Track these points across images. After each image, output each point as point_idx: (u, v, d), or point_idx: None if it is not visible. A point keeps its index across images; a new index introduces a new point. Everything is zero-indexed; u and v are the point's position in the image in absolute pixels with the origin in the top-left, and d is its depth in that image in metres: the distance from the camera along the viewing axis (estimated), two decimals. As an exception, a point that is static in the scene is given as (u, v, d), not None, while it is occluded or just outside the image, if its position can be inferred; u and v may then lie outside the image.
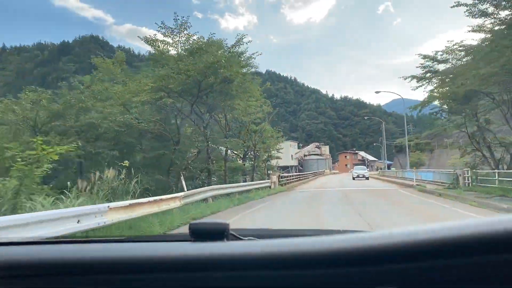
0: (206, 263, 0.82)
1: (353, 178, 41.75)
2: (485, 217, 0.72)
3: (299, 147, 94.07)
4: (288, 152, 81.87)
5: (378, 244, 0.71)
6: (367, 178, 41.18)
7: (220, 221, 1.00)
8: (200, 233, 0.97)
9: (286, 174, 31.76)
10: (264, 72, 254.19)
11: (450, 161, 56.72)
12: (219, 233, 0.97)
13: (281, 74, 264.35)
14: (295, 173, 45.36)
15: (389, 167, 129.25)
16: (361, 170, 44.58)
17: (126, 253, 0.91)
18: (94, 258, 0.90)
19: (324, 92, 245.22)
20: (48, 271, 0.91)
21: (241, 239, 1.02)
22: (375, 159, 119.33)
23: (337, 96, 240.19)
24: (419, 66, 20.05)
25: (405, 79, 21.21)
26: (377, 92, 39.60)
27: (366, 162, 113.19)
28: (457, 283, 0.67)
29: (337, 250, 0.74)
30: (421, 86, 21.09)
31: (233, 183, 20.40)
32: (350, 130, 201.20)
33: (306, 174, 51.09)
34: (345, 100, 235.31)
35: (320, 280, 0.74)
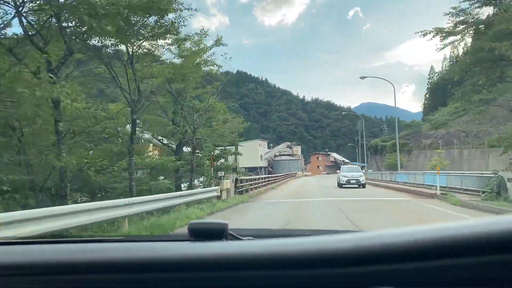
0: (205, 262, 0.82)
1: (341, 185, 27.41)
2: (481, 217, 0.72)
3: (269, 147, 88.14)
4: (256, 152, 74.58)
5: (376, 244, 0.71)
6: (363, 186, 27.03)
7: (219, 221, 1.01)
8: (199, 233, 0.98)
9: (247, 177, 23.91)
10: (235, 72, 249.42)
11: (431, 163, 51.05)
12: (218, 233, 0.97)
13: (252, 75, 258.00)
14: (264, 175, 37.83)
15: (362, 169, 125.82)
16: (353, 172, 28.64)
17: (125, 253, 0.91)
18: (92, 258, 0.90)
19: (295, 93, 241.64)
20: (46, 271, 0.90)
21: (240, 239, 1.02)
22: (348, 161, 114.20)
23: (308, 98, 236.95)
24: (449, 14, 12.98)
25: (424, 35, 14.12)
26: (362, 78, 32.99)
27: (340, 163, 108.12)
28: (455, 283, 0.67)
29: (336, 250, 0.74)
30: (444, 46, 14.12)
31: (159, 191, 12.52)
32: (321, 132, 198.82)
33: (276, 176, 43.59)
34: (316, 102, 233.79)
35: (320, 280, 0.74)
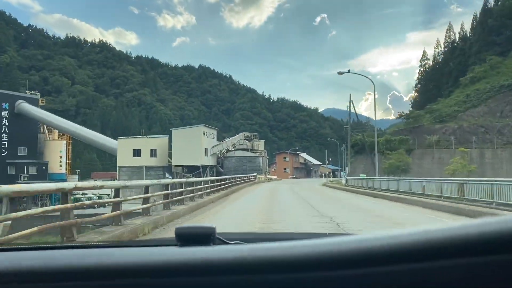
0: (192, 268, 0.81)
1: None
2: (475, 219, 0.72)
3: (220, 139, 66.27)
4: (199, 145, 53.03)
5: (365, 247, 0.71)
6: None
7: (206, 225, 1.01)
8: (186, 238, 0.97)
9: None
10: (197, 66, 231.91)
11: (451, 166, 34.80)
12: (205, 237, 0.97)
13: (215, 70, 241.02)
14: (200, 179, 19.94)
15: (334, 173, 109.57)
16: None
17: (110, 258, 0.89)
18: (76, 264, 0.88)
19: (260, 92, 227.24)
20: (28, 279, 0.88)
21: (228, 243, 1.02)
22: (319, 162, 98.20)
23: (274, 97, 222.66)
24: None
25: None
26: (340, 73, 17.84)
27: (310, 166, 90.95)
28: (445, 284, 0.67)
29: (324, 253, 0.74)
30: None
31: None
32: (287, 133, 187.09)
33: (223, 181, 25.81)
34: (282, 101, 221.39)
35: (308, 284, 0.73)
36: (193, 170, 52.53)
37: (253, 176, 46.70)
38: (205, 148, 55.54)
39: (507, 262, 0.63)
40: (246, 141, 65.82)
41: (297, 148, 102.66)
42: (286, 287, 0.74)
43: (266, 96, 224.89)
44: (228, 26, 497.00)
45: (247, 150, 62.42)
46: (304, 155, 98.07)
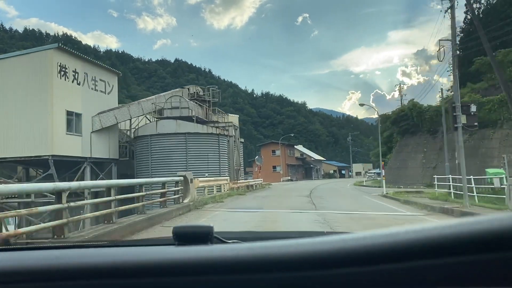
0: (190, 267, 0.80)
1: None
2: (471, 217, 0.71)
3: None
4: (46, 103, 21.13)
5: (361, 245, 0.71)
6: None
7: (204, 225, 1.00)
8: (184, 237, 0.96)
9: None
10: (173, 61, 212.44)
11: None
12: (203, 236, 0.96)
13: (193, 65, 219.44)
14: None
15: (340, 171, 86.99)
16: None
17: (108, 258, 0.88)
18: (74, 264, 0.87)
19: (243, 87, 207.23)
20: (27, 278, 0.87)
21: (225, 242, 1.02)
22: (321, 157, 75.81)
23: (258, 92, 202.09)
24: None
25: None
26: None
27: (311, 162, 68.16)
28: (441, 282, 0.66)
29: (321, 252, 0.73)
30: None
31: None
32: (273, 130, 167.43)
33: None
34: (267, 96, 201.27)
35: (306, 282, 0.72)
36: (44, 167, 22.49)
37: (209, 179, 21.00)
38: (70, 113, 22.40)
39: (502, 260, 0.62)
40: (195, 104, 29.85)
41: (292, 135, 78.91)
42: (284, 286, 0.73)
43: (249, 91, 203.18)
44: (209, 27, 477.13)
45: (201, 122, 29.05)
46: (300, 148, 75.38)
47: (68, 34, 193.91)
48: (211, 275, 0.77)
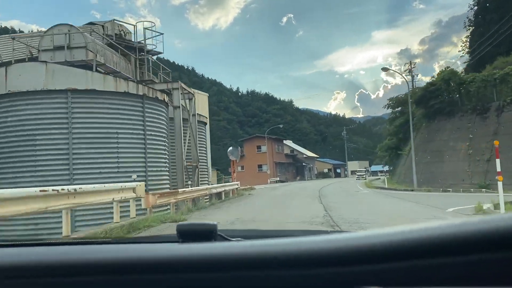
0: (194, 264, 0.80)
1: None
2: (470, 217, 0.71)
3: None
4: None
5: (364, 244, 0.71)
6: None
7: (208, 222, 0.99)
8: (187, 234, 0.96)
9: None
10: (154, 59, 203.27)
11: None
12: (207, 234, 0.96)
13: (175, 62, 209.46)
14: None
15: (335, 170, 78.39)
16: None
17: (112, 254, 0.89)
18: (79, 261, 0.87)
19: (228, 86, 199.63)
20: (33, 274, 0.88)
21: (229, 240, 1.00)
22: (313, 155, 66.95)
23: (243, 90, 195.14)
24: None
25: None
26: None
27: (303, 160, 59.05)
28: (441, 282, 0.66)
29: (324, 250, 0.73)
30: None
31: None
32: (259, 129, 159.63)
33: None
34: (253, 94, 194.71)
35: (309, 280, 0.72)
36: None
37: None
38: None
39: (507, 260, 0.62)
40: (116, 54, 16.17)
41: (281, 126, 69.42)
42: (287, 284, 0.73)
43: (234, 89, 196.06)
44: (194, 28, 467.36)
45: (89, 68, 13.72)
46: (290, 143, 66.40)
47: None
48: (215, 272, 0.77)
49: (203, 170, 20.65)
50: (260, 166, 52.89)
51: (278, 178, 49.11)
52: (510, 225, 0.62)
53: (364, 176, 51.87)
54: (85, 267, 0.84)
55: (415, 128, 27.33)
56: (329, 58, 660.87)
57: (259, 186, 33.74)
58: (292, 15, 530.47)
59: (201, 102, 27.11)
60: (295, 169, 61.37)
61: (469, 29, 36.27)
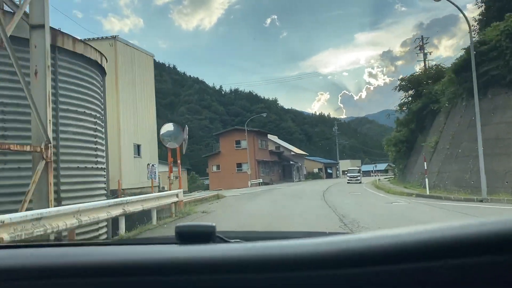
0: (192, 266, 0.79)
1: None
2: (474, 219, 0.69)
3: None
4: None
5: (365, 246, 0.70)
6: None
7: (206, 224, 0.98)
8: (186, 236, 0.95)
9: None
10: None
11: None
12: (205, 235, 0.95)
13: (156, 60, 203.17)
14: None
15: (326, 169, 70.49)
16: None
17: (110, 256, 0.88)
18: (77, 262, 0.86)
19: (210, 84, 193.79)
20: (30, 276, 0.87)
21: (228, 241, 1.00)
22: (302, 152, 59.24)
23: (227, 88, 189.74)
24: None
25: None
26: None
27: (287, 158, 50.98)
28: (443, 284, 0.65)
29: (324, 253, 0.72)
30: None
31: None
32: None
33: None
34: (236, 93, 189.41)
35: (308, 282, 0.71)
36: None
37: None
38: None
39: (506, 263, 0.61)
40: None
41: (264, 115, 61.15)
42: (287, 286, 0.72)
43: (217, 87, 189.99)
44: (178, 28, 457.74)
45: None
46: (276, 139, 58.45)
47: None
48: (214, 274, 0.76)
49: (94, 164, 10.80)
50: (239, 165, 44.38)
51: (261, 180, 40.77)
52: (509, 227, 0.61)
53: (359, 178, 38.34)
54: (84, 269, 0.83)
55: (438, 112, 19.73)
56: (313, 60, 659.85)
57: (235, 191, 25.59)
58: (276, 17, 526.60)
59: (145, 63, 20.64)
60: (281, 168, 52.81)
61: (481, 6, 28.73)
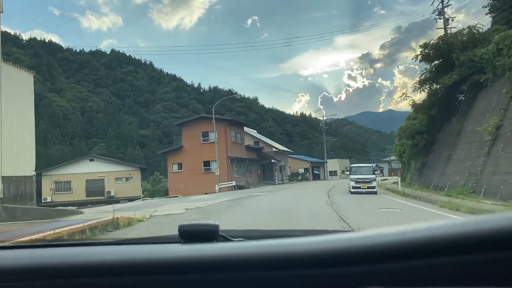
0: (196, 265, 0.79)
1: None
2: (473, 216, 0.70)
3: None
4: None
5: (365, 244, 0.70)
6: None
7: (209, 223, 0.97)
8: (189, 235, 0.95)
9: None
10: (109, 52, 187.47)
11: None
12: (209, 234, 0.95)
13: (132, 56, 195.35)
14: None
15: (313, 170, 61.61)
16: None
17: (114, 256, 0.88)
18: (82, 261, 0.87)
19: (189, 82, 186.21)
20: (35, 276, 0.87)
21: (231, 240, 1.00)
22: (285, 149, 51.38)
23: (205, 86, 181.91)
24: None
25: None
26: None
27: (268, 155, 42.70)
28: (442, 281, 0.65)
29: (326, 251, 0.72)
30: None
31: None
32: None
33: None
34: (215, 91, 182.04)
35: (310, 280, 0.71)
36: None
37: None
38: None
39: (507, 259, 0.61)
40: None
41: (238, 96, 53.11)
42: (290, 284, 0.72)
43: (196, 85, 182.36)
44: (158, 27, 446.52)
45: None
46: (254, 133, 50.23)
47: (2, 30, 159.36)
48: (217, 273, 0.76)
49: None
50: (207, 164, 35.17)
51: (234, 183, 31.44)
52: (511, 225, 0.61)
53: (374, 185, 20.71)
54: (87, 269, 0.83)
55: (484, 86, 12.30)
56: (294, 61, 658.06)
57: (192, 199, 17.10)
58: (256, 18, 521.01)
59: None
60: (260, 168, 43.73)
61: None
